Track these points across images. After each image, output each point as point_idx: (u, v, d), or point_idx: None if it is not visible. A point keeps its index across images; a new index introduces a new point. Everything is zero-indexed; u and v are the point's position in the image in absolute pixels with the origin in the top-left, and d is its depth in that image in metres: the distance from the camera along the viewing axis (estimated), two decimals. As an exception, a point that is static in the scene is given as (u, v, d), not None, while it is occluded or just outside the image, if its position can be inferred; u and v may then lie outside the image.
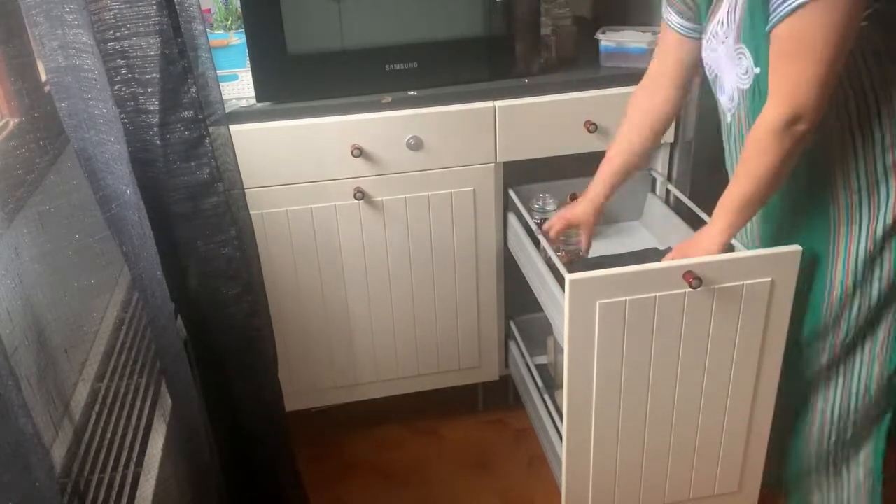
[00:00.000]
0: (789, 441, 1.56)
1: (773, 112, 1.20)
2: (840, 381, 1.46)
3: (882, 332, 1.41)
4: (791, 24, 1.14)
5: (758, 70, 1.25)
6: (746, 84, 1.29)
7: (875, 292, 1.36)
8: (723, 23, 1.31)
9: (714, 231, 1.34)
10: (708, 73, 1.40)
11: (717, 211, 1.33)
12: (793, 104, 1.17)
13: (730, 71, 1.33)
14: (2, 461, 0.71)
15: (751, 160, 1.25)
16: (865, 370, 1.45)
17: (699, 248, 1.36)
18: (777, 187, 1.28)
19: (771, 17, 1.16)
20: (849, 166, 1.29)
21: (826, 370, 1.46)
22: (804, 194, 1.35)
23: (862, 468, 1.54)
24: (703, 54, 1.39)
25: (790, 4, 1.12)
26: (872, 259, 1.34)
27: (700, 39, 1.41)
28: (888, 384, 1.46)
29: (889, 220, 1.31)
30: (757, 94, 1.28)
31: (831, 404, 1.49)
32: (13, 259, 1.02)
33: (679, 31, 1.45)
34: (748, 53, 1.26)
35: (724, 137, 1.46)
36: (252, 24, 1.63)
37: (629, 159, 1.57)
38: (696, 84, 1.76)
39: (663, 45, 1.51)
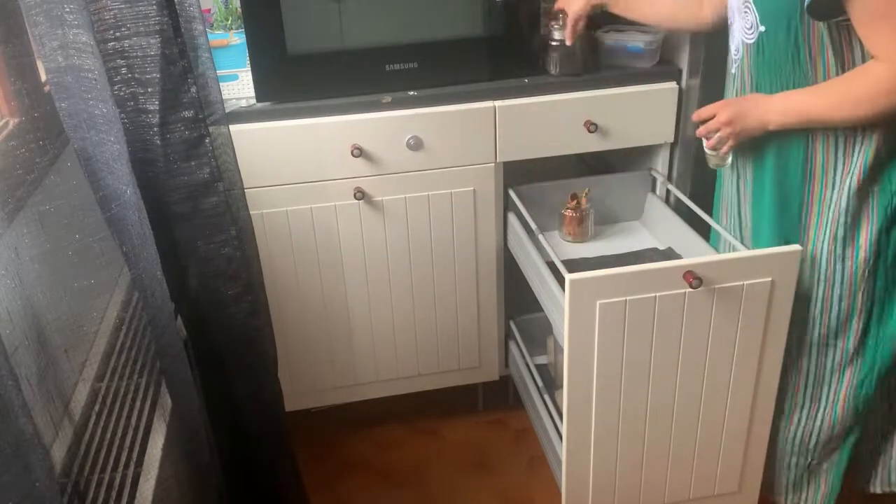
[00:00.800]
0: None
1: (888, 71, 1.20)
2: (810, 391, 1.48)
3: (852, 339, 1.41)
4: None
5: (763, 28, 1.26)
6: (751, 39, 1.30)
7: (848, 273, 1.36)
8: None
9: (771, 119, 1.33)
10: (728, 16, 1.41)
11: (786, 104, 1.31)
12: None
13: (738, 21, 1.34)
14: (2, 461, 0.71)
15: (849, 102, 1.25)
16: (835, 384, 1.46)
17: (749, 118, 1.35)
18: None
19: None
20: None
21: (799, 368, 1.47)
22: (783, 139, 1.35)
23: (823, 483, 1.56)
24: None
25: None
26: (846, 226, 1.34)
27: None
28: (856, 403, 1.47)
29: (863, 176, 1.31)
30: (761, 52, 1.29)
31: (802, 416, 1.51)
32: (13, 259, 1.02)
33: None
34: (754, 9, 1.27)
35: (727, 87, 1.47)
36: (252, 24, 1.63)
37: (652, 9, 1.64)
38: (696, 84, 1.77)
39: None
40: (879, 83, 1.22)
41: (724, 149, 1.42)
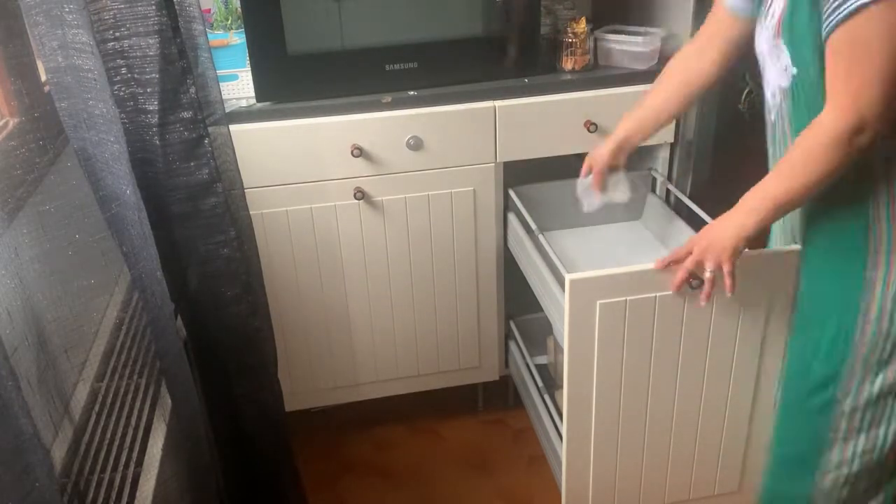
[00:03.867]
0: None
1: (833, 121, 1.13)
2: (863, 435, 1.36)
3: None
4: (848, 30, 1.08)
5: (795, 70, 1.20)
6: (786, 82, 1.23)
7: None
8: (768, 13, 1.25)
9: (744, 222, 1.25)
10: (760, 61, 1.34)
11: (751, 203, 1.25)
12: (855, 113, 1.11)
13: (770, 66, 1.27)
14: (2, 461, 0.71)
15: (800, 164, 1.18)
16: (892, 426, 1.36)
17: (725, 236, 1.27)
18: (818, 191, 1.21)
19: (825, 23, 1.11)
20: (893, 185, 1.21)
21: (849, 418, 1.35)
22: (844, 208, 1.26)
23: None
24: (756, 40, 1.32)
25: (846, 8, 1.07)
26: None
27: (750, 19, 1.35)
28: None
29: None
30: (796, 95, 1.23)
31: (850, 457, 1.39)
32: (13, 259, 1.02)
33: (734, 10, 1.39)
34: (786, 51, 1.20)
35: (769, 136, 1.38)
36: (252, 24, 1.63)
37: (662, 110, 1.51)
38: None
39: (714, 21, 1.44)
40: (824, 135, 1.14)
41: (728, 281, 1.29)
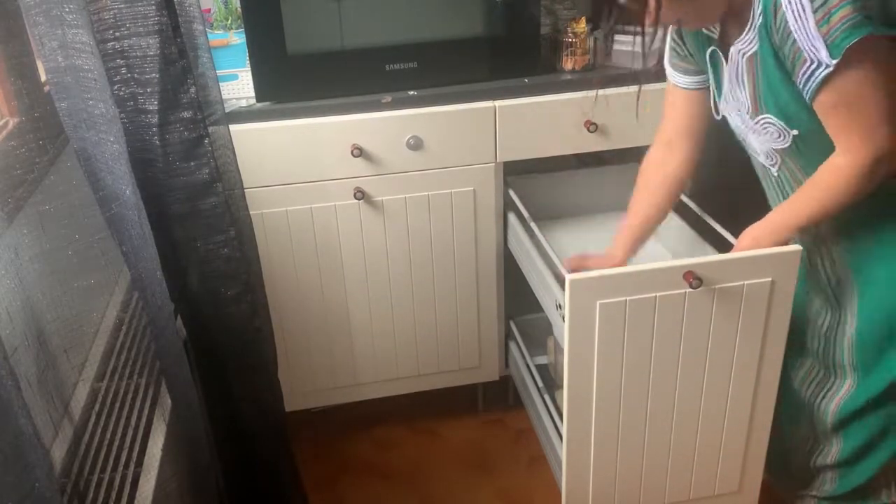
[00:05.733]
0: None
1: (850, 161, 1.18)
2: None
3: None
4: (830, 92, 1.13)
5: (796, 132, 1.25)
6: (785, 145, 1.28)
7: None
8: (731, 97, 1.31)
9: (769, 238, 1.32)
10: (736, 132, 1.40)
11: (773, 225, 1.32)
12: (871, 150, 1.16)
13: (755, 136, 1.33)
14: (2, 461, 0.71)
15: (823, 193, 1.23)
16: None
17: (745, 243, 1.35)
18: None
19: (805, 90, 1.16)
20: None
21: None
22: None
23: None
24: (728, 117, 1.38)
25: (819, 75, 1.12)
26: None
27: (703, 90, 1.42)
28: None
29: None
30: (802, 148, 1.27)
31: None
32: (13, 259, 1.02)
33: (689, 87, 1.45)
34: (777, 121, 1.26)
35: (770, 186, 1.44)
36: (252, 24, 1.63)
37: (648, 226, 1.56)
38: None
39: (673, 106, 1.49)
40: (844, 174, 1.20)
41: None
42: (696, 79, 1.44)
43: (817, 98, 1.16)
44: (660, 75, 1.77)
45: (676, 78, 1.46)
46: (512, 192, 1.84)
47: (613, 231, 1.88)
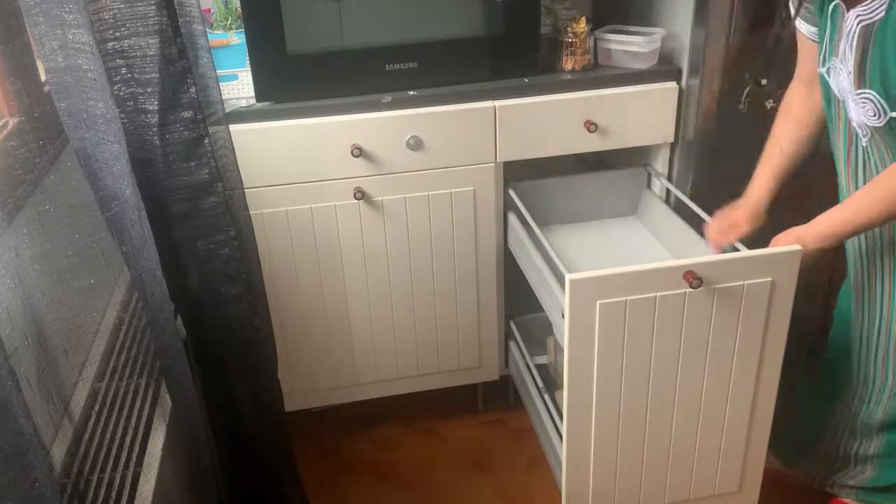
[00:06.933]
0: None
1: None
2: None
3: None
4: None
5: (894, 114, 1.22)
6: (879, 124, 1.26)
7: None
8: (842, 60, 1.28)
9: (815, 239, 1.30)
10: (834, 92, 1.35)
11: (822, 226, 1.29)
12: None
13: (854, 105, 1.29)
14: (2, 461, 0.71)
15: (881, 200, 1.22)
16: None
17: (791, 237, 1.34)
18: None
19: None
20: None
21: None
22: None
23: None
24: (830, 79, 1.35)
25: None
26: None
27: None
28: None
29: None
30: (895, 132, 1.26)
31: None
32: (13, 259, 1.02)
33: (814, 39, 1.41)
34: (878, 98, 1.23)
35: (851, 160, 1.39)
36: (252, 24, 1.63)
37: (797, 159, 1.49)
38: (695, 84, 1.77)
39: (802, 52, 1.45)
40: None
41: None
42: (815, 29, 1.39)
43: None
44: (654, 76, 1.78)
45: (803, 27, 1.41)
46: (512, 193, 1.85)
47: (614, 235, 1.89)
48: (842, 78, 1.30)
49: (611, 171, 1.98)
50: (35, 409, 1.00)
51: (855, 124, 1.33)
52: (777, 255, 1.35)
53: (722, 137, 1.80)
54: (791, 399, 1.61)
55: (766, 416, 1.51)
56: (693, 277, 1.32)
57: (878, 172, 1.32)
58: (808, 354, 1.71)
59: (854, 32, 1.23)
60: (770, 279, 1.36)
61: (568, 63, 1.82)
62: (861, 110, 1.27)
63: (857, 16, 1.21)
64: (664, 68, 1.82)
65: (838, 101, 1.35)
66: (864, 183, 1.36)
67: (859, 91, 1.25)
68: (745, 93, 1.75)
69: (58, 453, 1.06)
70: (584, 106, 1.79)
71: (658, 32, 1.82)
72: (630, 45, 1.82)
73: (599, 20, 1.93)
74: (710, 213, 1.64)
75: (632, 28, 1.87)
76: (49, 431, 1.05)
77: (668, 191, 1.88)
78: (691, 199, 1.75)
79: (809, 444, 1.69)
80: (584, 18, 1.81)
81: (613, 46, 1.84)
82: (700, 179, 1.87)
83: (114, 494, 1.09)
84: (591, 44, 1.84)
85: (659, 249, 1.82)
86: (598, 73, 1.84)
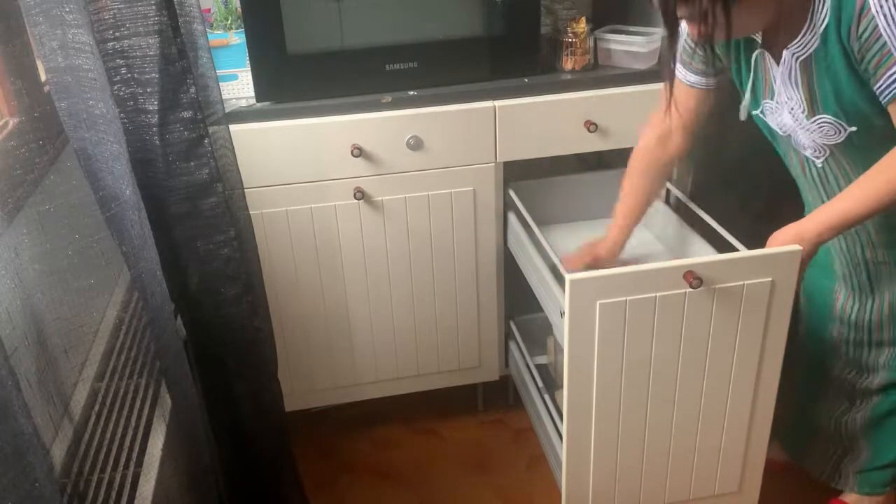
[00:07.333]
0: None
1: None
2: None
3: None
4: None
5: (854, 129, 1.27)
6: (839, 140, 1.30)
7: None
8: (784, 97, 1.33)
9: (814, 233, 1.31)
10: (776, 130, 1.42)
11: (819, 221, 1.31)
12: None
13: (805, 133, 1.34)
14: (2, 461, 0.71)
15: (883, 183, 1.23)
16: None
17: (789, 233, 1.35)
18: None
19: (883, 96, 1.18)
20: None
21: None
22: None
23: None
24: (766, 118, 1.41)
25: None
26: None
27: (712, 91, 1.47)
28: None
29: None
30: (857, 142, 1.29)
31: None
32: (13, 259, 1.02)
33: (699, 87, 1.49)
34: (835, 120, 1.28)
35: (810, 179, 1.45)
36: (252, 23, 1.63)
37: (642, 210, 1.65)
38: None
39: (677, 101, 1.49)
40: None
41: None
42: (708, 80, 1.48)
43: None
44: (654, 76, 1.78)
45: (690, 77, 1.49)
46: (512, 193, 1.84)
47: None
48: (783, 115, 1.36)
49: (611, 170, 1.98)
50: (35, 409, 1.00)
51: (809, 152, 1.38)
52: (777, 255, 1.35)
53: (721, 137, 1.80)
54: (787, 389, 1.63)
55: (766, 416, 1.51)
56: (693, 277, 1.32)
57: (839, 186, 1.38)
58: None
59: (794, 68, 1.29)
60: (770, 279, 1.36)
61: (568, 63, 1.83)
62: (818, 133, 1.32)
63: (794, 54, 1.27)
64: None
65: (782, 135, 1.42)
66: (829, 197, 1.40)
67: (814, 119, 1.30)
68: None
69: (58, 453, 1.06)
70: (584, 106, 1.79)
71: (658, 32, 1.82)
72: (630, 45, 1.82)
73: (599, 20, 1.93)
74: (711, 213, 1.64)
75: (632, 28, 1.87)
76: (49, 431, 1.05)
77: (667, 191, 1.87)
78: (691, 199, 1.75)
79: (812, 433, 1.72)
80: (584, 18, 1.81)
81: (613, 46, 1.84)
82: (700, 179, 1.87)
83: (114, 494, 1.09)
84: (591, 44, 1.84)
85: (659, 249, 1.82)
86: (598, 73, 1.84)
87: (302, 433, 1.92)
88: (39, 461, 0.76)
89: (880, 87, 1.18)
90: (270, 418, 1.51)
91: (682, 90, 1.50)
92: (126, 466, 1.14)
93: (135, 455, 1.16)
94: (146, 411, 1.26)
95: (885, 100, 1.19)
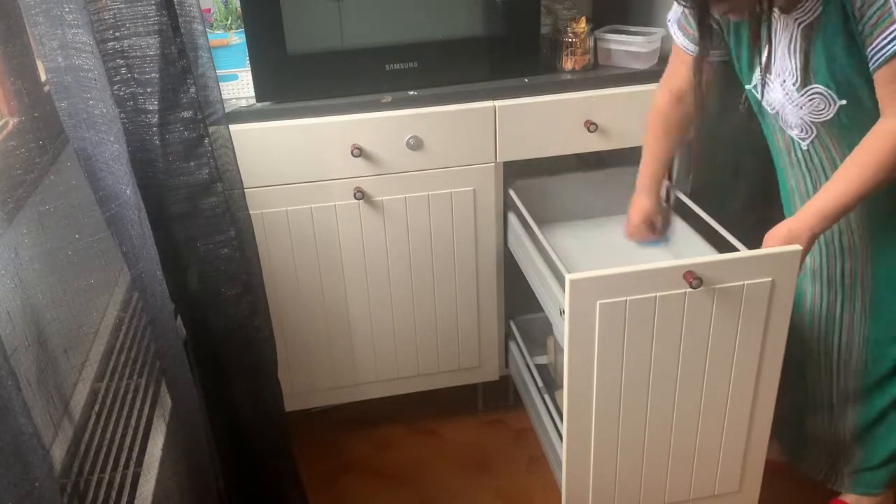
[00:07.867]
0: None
1: None
2: None
3: None
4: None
5: (843, 102, 1.28)
6: (829, 115, 1.31)
7: None
8: (780, 68, 1.34)
9: (805, 227, 1.32)
10: (766, 107, 1.43)
11: (810, 215, 1.32)
12: None
13: (793, 109, 1.35)
14: (2, 461, 0.71)
15: (873, 168, 1.24)
16: None
17: (781, 232, 1.36)
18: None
19: (872, 62, 1.20)
20: None
21: None
22: None
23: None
24: (758, 94, 1.42)
25: (887, 51, 1.17)
26: None
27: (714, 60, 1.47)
28: None
29: None
30: (845, 121, 1.30)
31: None
32: (13, 259, 1.02)
33: (686, 51, 1.51)
34: (826, 91, 1.28)
35: (796, 165, 1.45)
36: (252, 23, 1.63)
37: (665, 167, 1.69)
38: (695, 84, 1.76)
39: (679, 65, 1.54)
40: (892, 136, 1.23)
41: None
42: (692, 45, 1.49)
43: (882, 69, 1.19)
44: (654, 76, 1.78)
45: (689, 46, 1.50)
46: (512, 193, 1.84)
47: (614, 233, 1.89)
48: (776, 89, 1.37)
49: (611, 170, 1.98)
50: (35, 409, 1.00)
51: (795, 132, 1.39)
52: (777, 255, 1.35)
53: (721, 137, 1.80)
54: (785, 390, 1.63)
55: (766, 416, 1.51)
56: (693, 277, 1.32)
57: (823, 169, 1.39)
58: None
59: (796, 35, 1.30)
60: (770, 279, 1.36)
61: (568, 63, 1.83)
62: (808, 107, 1.32)
63: (796, 19, 1.28)
64: (664, 68, 1.82)
65: (770, 112, 1.43)
66: (812, 180, 1.42)
67: (806, 88, 1.31)
68: (744, 93, 1.75)
69: (58, 453, 1.06)
70: (584, 106, 1.79)
71: (658, 32, 1.82)
72: (630, 45, 1.82)
73: (599, 20, 1.93)
74: (711, 213, 1.64)
75: (632, 28, 1.87)
76: (49, 431, 1.05)
77: (668, 191, 1.87)
78: (691, 199, 1.75)
79: (807, 435, 1.72)
80: (584, 18, 1.81)
81: (613, 46, 1.84)
82: (700, 179, 1.87)
83: (114, 494, 1.09)
84: (591, 44, 1.84)
85: (659, 249, 1.82)
86: (598, 73, 1.84)
87: (302, 433, 1.92)
88: (39, 461, 0.76)
89: (873, 48, 1.19)
90: (270, 418, 1.51)
91: (686, 58, 1.52)
92: (126, 466, 1.14)
93: (135, 455, 1.16)
94: (146, 411, 1.26)
95: (875, 64, 1.19)
